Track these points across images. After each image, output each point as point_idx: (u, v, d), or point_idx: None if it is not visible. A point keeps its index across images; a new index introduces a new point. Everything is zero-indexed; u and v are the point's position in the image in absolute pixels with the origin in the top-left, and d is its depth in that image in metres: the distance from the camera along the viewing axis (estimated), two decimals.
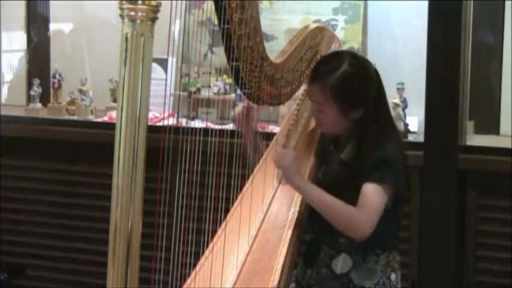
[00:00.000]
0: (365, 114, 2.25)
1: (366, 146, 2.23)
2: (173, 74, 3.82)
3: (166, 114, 3.28)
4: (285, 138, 2.52)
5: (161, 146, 1.95)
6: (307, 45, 2.53)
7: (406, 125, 3.47)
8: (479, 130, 3.64)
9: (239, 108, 2.48)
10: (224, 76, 3.73)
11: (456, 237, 3.28)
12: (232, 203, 2.32)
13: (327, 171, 2.37)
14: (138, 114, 1.56)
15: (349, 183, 2.21)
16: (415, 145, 3.35)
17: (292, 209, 2.29)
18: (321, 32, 2.65)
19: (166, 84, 3.74)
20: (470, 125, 3.54)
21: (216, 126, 2.61)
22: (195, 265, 2.15)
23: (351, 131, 2.28)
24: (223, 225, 2.23)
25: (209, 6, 2.15)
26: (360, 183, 2.18)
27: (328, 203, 2.19)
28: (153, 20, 1.57)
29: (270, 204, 2.34)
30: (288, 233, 2.21)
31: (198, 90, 3.78)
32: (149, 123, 1.60)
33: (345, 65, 2.24)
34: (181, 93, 3.74)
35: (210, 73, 3.83)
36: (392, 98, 3.40)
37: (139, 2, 1.54)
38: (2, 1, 4.15)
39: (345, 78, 2.22)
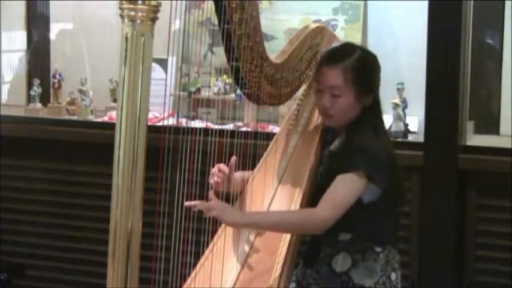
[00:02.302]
0: (371, 105, 2.31)
1: (354, 138, 2.27)
2: (173, 74, 3.82)
3: (166, 114, 3.28)
4: (285, 138, 2.53)
5: (161, 146, 1.95)
6: (308, 45, 2.53)
7: (406, 125, 3.47)
8: (479, 130, 3.64)
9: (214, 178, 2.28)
10: (224, 76, 3.73)
11: (456, 237, 3.28)
12: (233, 203, 2.32)
13: (323, 172, 2.38)
14: (138, 114, 1.57)
15: (337, 174, 2.22)
16: (415, 145, 3.36)
17: (291, 208, 2.29)
18: (321, 32, 2.65)
19: (166, 84, 3.74)
20: (470, 125, 3.54)
21: (216, 126, 2.60)
22: (195, 265, 2.16)
23: (351, 127, 2.30)
24: (223, 225, 2.23)
25: (209, 6, 2.14)
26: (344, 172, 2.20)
27: (277, 220, 2.19)
28: (153, 20, 1.57)
29: (269, 204, 2.34)
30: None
31: (198, 90, 3.78)
32: (149, 123, 1.60)
33: (358, 51, 2.33)
34: (181, 93, 3.74)
35: (210, 73, 3.83)
36: (392, 98, 3.40)
37: (139, 2, 1.55)
38: (2, 1, 4.15)
39: (362, 61, 2.31)
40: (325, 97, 2.30)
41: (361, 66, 2.29)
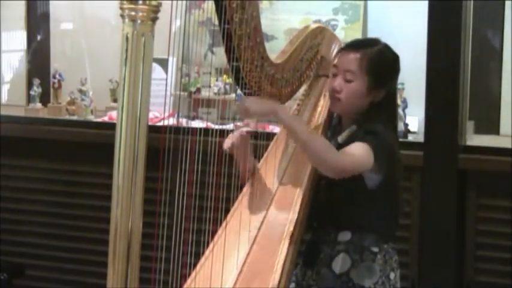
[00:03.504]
0: (382, 102, 2.31)
1: (364, 127, 2.27)
2: (173, 74, 3.83)
3: (166, 114, 3.28)
4: (285, 138, 2.53)
5: (161, 146, 1.95)
6: (308, 45, 2.53)
7: (406, 125, 3.47)
8: (479, 130, 3.65)
9: (234, 138, 2.36)
10: (224, 76, 3.73)
11: (456, 237, 3.28)
12: (233, 203, 2.32)
13: None
14: (138, 114, 1.56)
15: None
16: (415, 145, 3.36)
17: (292, 208, 2.29)
18: (322, 32, 2.65)
19: (166, 84, 3.74)
20: (470, 125, 3.55)
21: (216, 126, 2.60)
22: (195, 265, 2.15)
23: (358, 119, 2.30)
24: (223, 225, 2.23)
25: (209, 6, 2.15)
26: None
27: (309, 137, 2.16)
28: (154, 20, 1.57)
29: (270, 204, 2.34)
30: (288, 233, 2.21)
31: (198, 90, 3.78)
32: (149, 123, 1.60)
33: (381, 46, 2.34)
34: (181, 93, 3.75)
35: (210, 73, 3.84)
36: None
37: (140, 2, 1.54)
38: (2, 1, 4.15)
39: (382, 55, 2.32)
40: (338, 80, 2.31)
41: (379, 59, 2.30)
